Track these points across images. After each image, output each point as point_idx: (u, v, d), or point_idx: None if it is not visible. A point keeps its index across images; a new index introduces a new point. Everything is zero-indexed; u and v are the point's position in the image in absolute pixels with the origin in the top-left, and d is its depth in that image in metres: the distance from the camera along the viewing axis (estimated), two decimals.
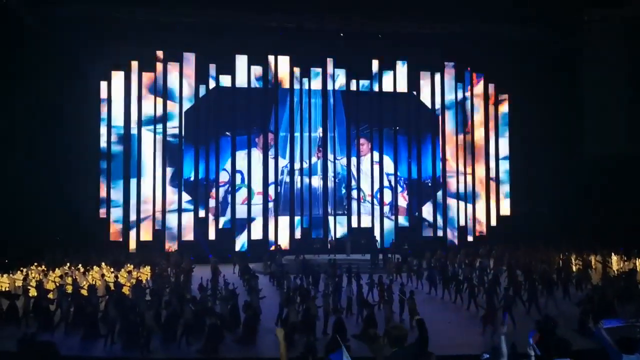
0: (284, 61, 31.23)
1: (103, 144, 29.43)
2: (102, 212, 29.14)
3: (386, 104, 31.95)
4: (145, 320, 13.45)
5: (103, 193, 29.24)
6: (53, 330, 14.60)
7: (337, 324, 13.51)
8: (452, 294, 19.15)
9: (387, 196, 32.51)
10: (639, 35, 26.84)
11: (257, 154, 30.94)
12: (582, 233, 27.83)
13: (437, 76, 32.80)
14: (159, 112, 29.96)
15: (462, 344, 13.30)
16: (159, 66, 30.05)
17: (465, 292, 18.31)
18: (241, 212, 30.63)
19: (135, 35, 27.34)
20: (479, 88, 33.42)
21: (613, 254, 24.54)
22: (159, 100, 29.97)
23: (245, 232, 30.57)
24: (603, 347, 6.93)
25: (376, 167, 32.20)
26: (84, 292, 17.09)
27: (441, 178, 32.68)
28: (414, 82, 32.54)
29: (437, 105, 32.80)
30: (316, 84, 31.64)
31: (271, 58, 30.98)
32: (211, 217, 30.20)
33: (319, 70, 31.57)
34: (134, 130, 29.69)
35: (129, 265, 22.82)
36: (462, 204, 32.65)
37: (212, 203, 30.32)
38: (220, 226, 30.39)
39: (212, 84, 30.44)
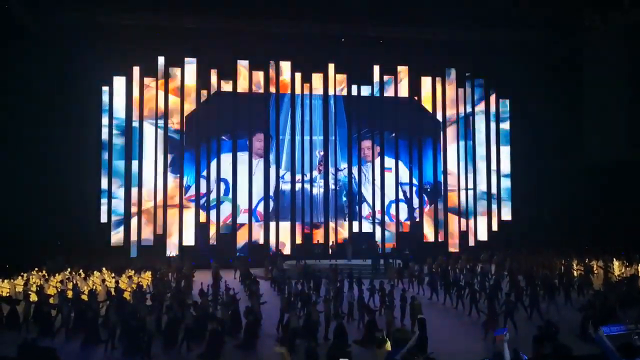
0: (285, 66, 31.31)
1: (105, 155, 29.48)
2: (103, 217, 29.17)
3: (387, 109, 31.94)
4: (146, 326, 13.43)
5: (104, 198, 29.26)
6: (54, 336, 14.59)
7: (338, 329, 13.52)
8: (454, 300, 19.16)
9: (403, 211, 31.99)
10: (639, 38, 26.82)
11: (255, 161, 30.92)
12: (583, 234, 27.81)
13: (439, 81, 32.80)
14: (160, 112, 30.02)
15: (463, 350, 13.28)
16: (160, 72, 30.16)
17: (467, 298, 18.30)
18: (242, 218, 30.68)
19: (137, 41, 27.44)
20: (479, 92, 33.44)
21: (615, 259, 24.50)
22: (160, 106, 30.06)
23: (245, 236, 30.58)
24: (604, 352, 6.91)
25: (387, 175, 31.89)
26: (85, 297, 17.12)
27: (442, 184, 32.66)
28: (415, 87, 32.56)
29: (439, 110, 32.80)
30: (317, 89, 31.65)
31: (272, 63, 31.04)
32: (212, 222, 30.23)
33: (320, 75, 31.61)
34: (135, 129, 29.74)
35: (129, 270, 22.83)
36: (462, 208, 32.58)
37: (212, 209, 30.35)
38: (221, 231, 30.43)
39: (213, 89, 30.50)
